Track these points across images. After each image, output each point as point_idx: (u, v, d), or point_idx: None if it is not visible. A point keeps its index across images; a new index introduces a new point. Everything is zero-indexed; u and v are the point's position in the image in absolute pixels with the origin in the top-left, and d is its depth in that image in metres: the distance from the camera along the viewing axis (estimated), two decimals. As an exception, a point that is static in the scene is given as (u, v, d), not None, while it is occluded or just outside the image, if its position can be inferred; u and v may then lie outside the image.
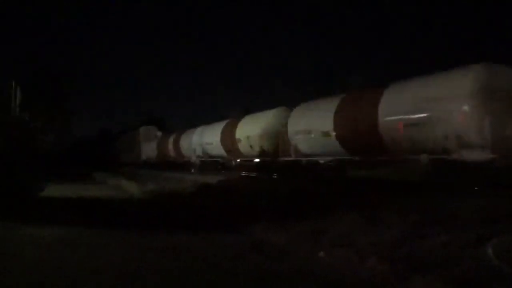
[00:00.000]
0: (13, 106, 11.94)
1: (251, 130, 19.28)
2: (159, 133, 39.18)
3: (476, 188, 8.82)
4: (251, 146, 19.20)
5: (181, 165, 28.48)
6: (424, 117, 10.48)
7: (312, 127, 14.71)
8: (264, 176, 16.34)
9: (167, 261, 5.34)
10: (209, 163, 24.57)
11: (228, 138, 21.40)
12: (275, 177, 15.82)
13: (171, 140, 31.19)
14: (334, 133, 13.62)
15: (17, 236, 7.23)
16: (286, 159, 16.44)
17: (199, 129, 26.49)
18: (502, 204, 6.33)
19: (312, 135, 14.68)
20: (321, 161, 15.00)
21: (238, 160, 21.38)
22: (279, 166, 17.26)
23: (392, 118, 11.40)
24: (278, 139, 17.28)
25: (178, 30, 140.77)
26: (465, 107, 9.57)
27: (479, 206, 6.25)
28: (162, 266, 5.10)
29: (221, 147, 22.30)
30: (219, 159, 23.57)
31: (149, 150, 37.78)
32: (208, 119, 30.26)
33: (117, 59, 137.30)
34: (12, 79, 12.41)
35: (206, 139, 24.37)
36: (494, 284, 3.51)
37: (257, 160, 19.33)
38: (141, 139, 40.02)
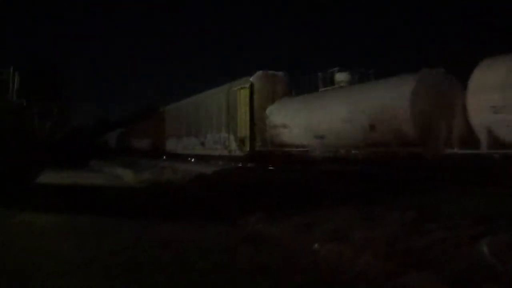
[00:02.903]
0: (10, 91, 11.83)
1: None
2: None
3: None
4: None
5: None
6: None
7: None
8: (259, 167, 16.64)
9: (159, 250, 5.31)
10: None
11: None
12: (271, 168, 16.15)
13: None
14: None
15: (10, 223, 7.19)
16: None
17: None
18: (497, 202, 6.31)
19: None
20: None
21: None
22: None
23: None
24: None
25: (174, 22, 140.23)
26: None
27: (475, 204, 6.22)
28: (154, 255, 5.07)
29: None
30: None
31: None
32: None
33: (117, 50, 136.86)
34: (11, 65, 12.31)
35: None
36: (488, 282, 3.47)
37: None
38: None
